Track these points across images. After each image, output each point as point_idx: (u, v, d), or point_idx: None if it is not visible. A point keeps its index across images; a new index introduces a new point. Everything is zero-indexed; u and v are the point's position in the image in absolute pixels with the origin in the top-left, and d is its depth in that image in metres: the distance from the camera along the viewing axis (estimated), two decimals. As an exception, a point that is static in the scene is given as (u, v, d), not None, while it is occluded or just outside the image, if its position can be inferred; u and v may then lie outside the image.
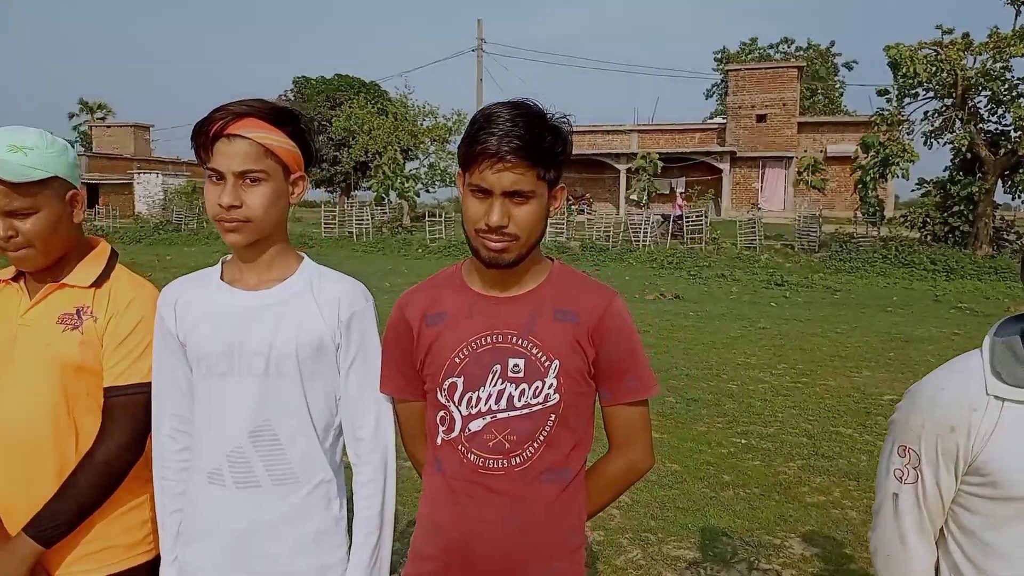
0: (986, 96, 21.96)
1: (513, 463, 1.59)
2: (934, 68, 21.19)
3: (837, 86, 59.58)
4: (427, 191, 49.91)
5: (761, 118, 39.91)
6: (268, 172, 1.62)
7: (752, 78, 40.40)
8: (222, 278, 1.73)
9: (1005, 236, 23.15)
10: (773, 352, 10.30)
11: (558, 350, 1.61)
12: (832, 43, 60.42)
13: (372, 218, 33.59)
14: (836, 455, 5.93)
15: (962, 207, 22.70)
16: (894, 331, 12.14)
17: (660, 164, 36.32)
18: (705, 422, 6.85)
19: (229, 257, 1.77)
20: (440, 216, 33.03)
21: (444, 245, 29.59)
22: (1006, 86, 21.51)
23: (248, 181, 1.60)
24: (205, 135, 1.60)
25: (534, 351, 1.61)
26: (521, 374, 1.59)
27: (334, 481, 1.74)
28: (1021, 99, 20.96)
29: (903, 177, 23.07)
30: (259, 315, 1.67)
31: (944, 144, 22.78)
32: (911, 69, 20.91)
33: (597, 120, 45.65)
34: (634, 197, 35.35)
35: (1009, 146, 21.36)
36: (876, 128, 23.39)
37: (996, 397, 1.34)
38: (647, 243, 27.99)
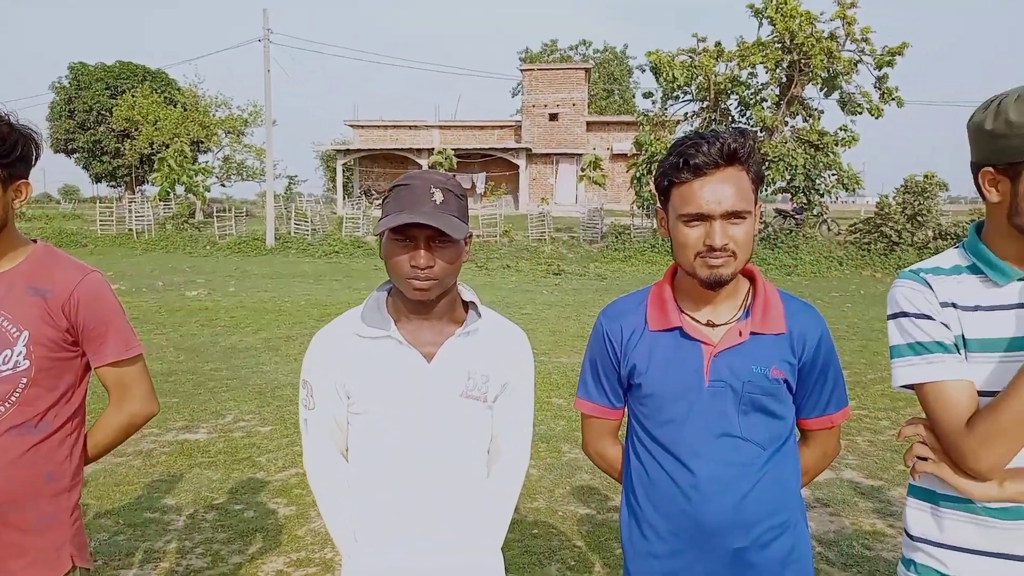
0: (735, 99, 24.43)
1: None
2: (690, 73, 23.27)
3: (630, 87, 63.34)
4: (222, 185, 47.79)
5: (553, 116, 41.74)
6: None
7: (544, 78, 42.15)
8: None
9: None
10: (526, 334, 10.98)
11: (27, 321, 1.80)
12: (626, 46, 64.31)
13: (155, 214, 31.67)
14: (539, 421, 6.53)
15: (718, 200, 25.14)
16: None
17: (455, 159, 37.00)
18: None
19: None
20: (230, 211, 31.77)
21: (235, 241, 28.55)
22: (751, 90, 24.05)
23: None
24: None
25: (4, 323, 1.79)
26: None
27: None
28: (763, 102, 23.50)
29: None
30: None
31: (703, 143, 25.05)
32: (670, 74, 22.86)
33: (399, 116, 45.79)
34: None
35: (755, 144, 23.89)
36: (642, 128, 25.34)
37: None
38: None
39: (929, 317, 1.62)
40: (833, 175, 24.16)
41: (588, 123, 42.16)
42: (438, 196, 1.66)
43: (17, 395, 1.80)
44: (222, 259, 25.64)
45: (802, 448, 1.87)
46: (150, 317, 12.56)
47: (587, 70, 44.05)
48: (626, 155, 38.02)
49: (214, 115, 45.42)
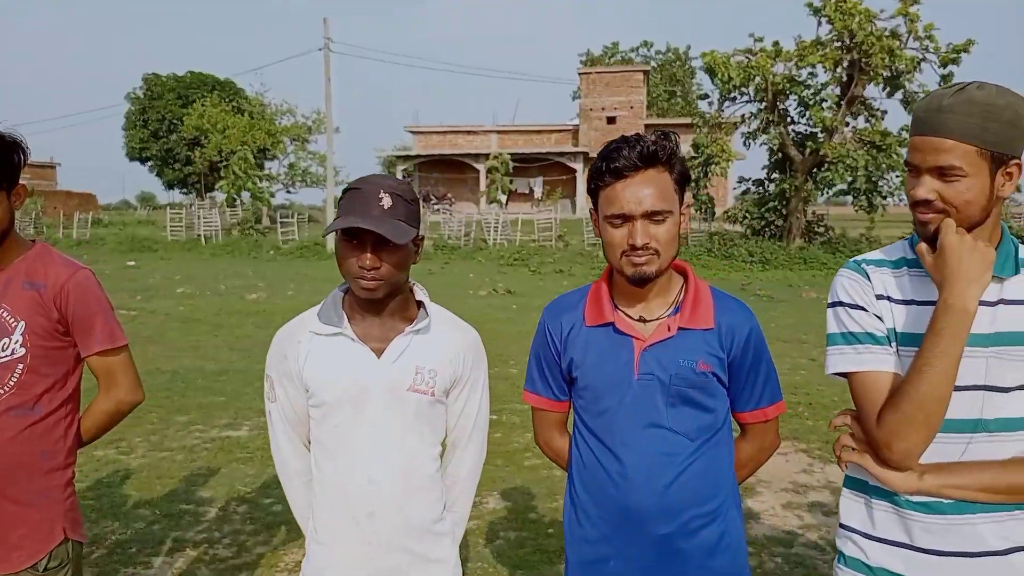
0: (794, 100, 23.98)
1: None
2: (747, 74, 22.95)
3: (693, 89, 62.68)
4: (287, 191, 49.17)
5: (611, 120, 41.68)
6: None
7: (602, 81, 42.12)
8: None
9: (815, 229, 25.35)
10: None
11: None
12: (688, 47, 63.50)
13: (222, 220, 32.77)
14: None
15: (776, 203, 24.71)
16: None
17: (512, 164, 37.22)
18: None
19: None
20: (293, 217, 32.64)
21: (297, 246, 29.29)
22: (811, 90, 23.56)
23: None
24: None
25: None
26: None
27: None
28: (823, 103, 23.01)
29: (722, 176, 24.81)
30: None
31: (760, 145, 24.71)
32: (725, 74, 22.59)
33: (458, 121, 46.28)
34: (491, 196, 36.04)
35: (814, 146, 23.40)
36: (698, 130, 25.09)
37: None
38: (499, 241, 28.75)
39: (863, 308, 1.66)
40: (897, 176, 23.47)
41: (647, 126, 41.91)
42: (386, 201, 1.76)
43: (15, 380, 2.00)
44: (284, 263, 26.34)
45: (740, 442, 1.94)
46: (209, 319, 13.06)
47: (646, 72, 43.83)
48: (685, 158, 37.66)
49: (280, 123, 46.73)
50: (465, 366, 1.97)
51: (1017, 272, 1.62)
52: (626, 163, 1.69)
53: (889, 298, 1.65)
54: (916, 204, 1.57)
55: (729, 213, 26.49)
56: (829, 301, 1.74)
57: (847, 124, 23.49)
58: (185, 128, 45.08)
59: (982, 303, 1.59)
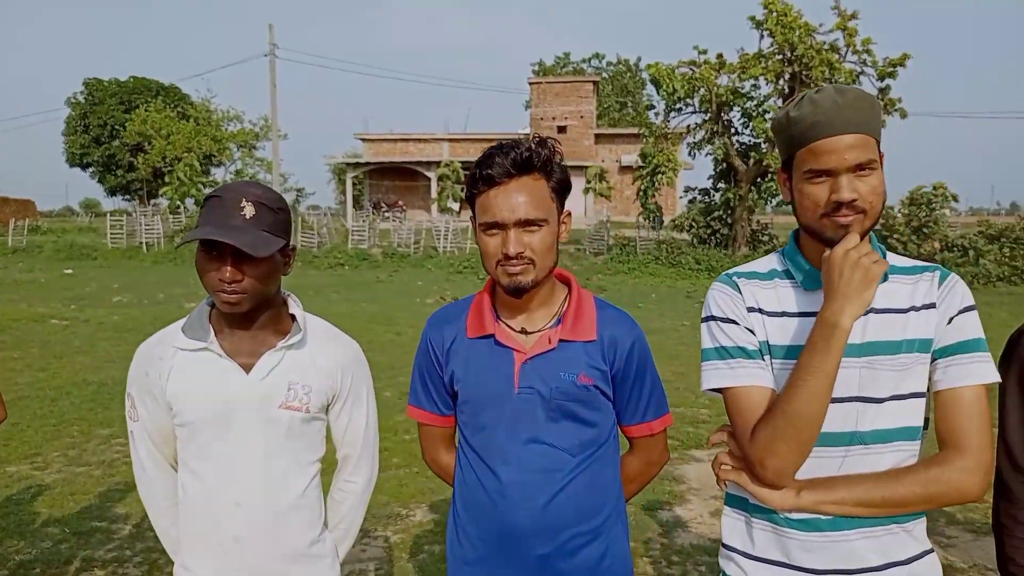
0: (738, 111, 24.40)
1: None
2: (691, 86, 23.28)
3: (644, 99, 63.34)
4: (234, 199, 48.23)
5: (562, 129, 41.89)
6: None
7: (552, 91, 42.37)
8: None
9: (760, 237, 25.80)
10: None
11: None
12: (639, 58, 64.26)
13: (166, 227, 31.99)
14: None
15: (721, 212, 25.10)
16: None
17: (463, 172, 37.15)
18: (401, 412, 7.29)
19: None
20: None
21: (242, 254, 28.73)
22: (754, 102, 24.01)
23: None
24: None
25: None
26: None
27: None
28: (765, 114, 23.46)
29: (669, 185, 25.09)
30: None
31: (706, 155, 25.08)
32: (670, 86, 22.88)
33: (410, 129, 46.08)
34: (441, 204, 35.91)
35: (757, 156, 23.84)
36: (644, 140, 25.37)
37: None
38: (450, 249, 28.61)
39: (735, 322, 1.63)
40: (838, 186, 24.03)
41: (596, 136, 42.29)
42: (249, 210, 1.66)
43: None
44: (228, 271, 25.82)
45: (628, 457, 1.88)
46: (144, 328, 12.68)
47: (595, 83, 44.21)
48: (633, 167, 38.13)
49: (227, 129, 45.94)
50: (344, 381, 1.88)
51: (885, 279, 1.60)
52: (499, 170, 1.63)
53: (761, 310, 1.62)
54: (838, 207, 1.51)
55: (676, 222, 26.80)
56: (702, 316, 1.71)
57: (789, 135, 23.96)
58: (127, 134, 43.98)
59: None
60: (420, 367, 1.89)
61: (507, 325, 1.76)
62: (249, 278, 1.68)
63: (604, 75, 58.17)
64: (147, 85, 49.26)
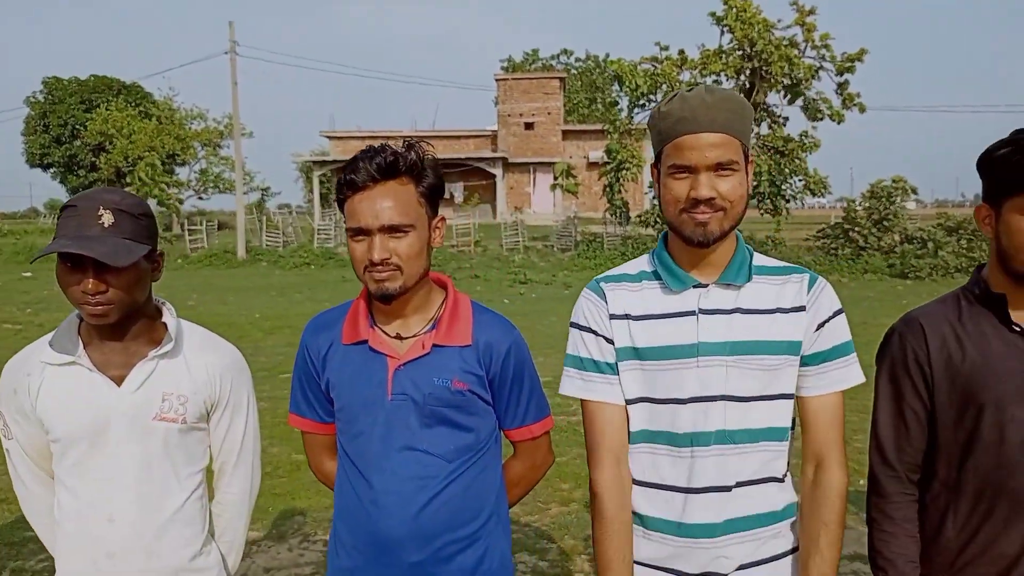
0: (700, 107, 24.59)
1: None
2: (653, 81, 23.43)
3: (612, 96, 63.34)
4: (199, 198, 47.67)
5: (529, 125, 41.96)
6: None
7: (519, 88, 42.38)
8: None
9: (725, 232, 26.05)
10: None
11: None
12: (607, 55, 64.22)
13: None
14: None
15: (685, 207, 25.30)
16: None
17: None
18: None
19: None
20: (202, 224, 31.67)
21: (206, 254, 28.43)
22: (715, 98, 24.22)
23: None
24: None
25: None
26: None
27: None
28: (728, 110, 23.67)
29: (634, 181, 25.22)
30: None
31: (670, 150, 25.22)
32: (633, 82, 23.02)
33: (378, 127, 45.81)
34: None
35: (719, 152, 24.06)
36: (609, 136, 25.49)
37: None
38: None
39: (594, 332, 1.67)
40: (800, 180, 24.33)
41: (564, 132, 42.37)
42: (107, 218, 1.63)
43: None
44: (192, 272, 25.53)
45: (512, 461, 1.89)
46: (99, 332, 12.50)
47: (562, 79, 44.27)
48: (599, 163, 38.29)
49: (190, 127, 45.31)
50: (223, 388, 1.86)
51: (750, 279, 1.63)
52: (364, 175, 1.62)
53: (627, 316, 1.64)
54: (696, 204, 1.53)
55: (643, 218, 26.96)
56: (570, 319, 1.74)
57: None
58: (89, 133, 43.20)
59: (718, 311, 1.61)
60: (299, 374, 1.86)
61: (382, 331, 1.74)
62: (114, 288, 1.64)
63: (573, 71, 58.22)
64: (108, 83, 48.37)
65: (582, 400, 1.68)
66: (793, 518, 1.68)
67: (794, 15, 22.58)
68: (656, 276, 1.67)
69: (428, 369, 1.70)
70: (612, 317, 1.65)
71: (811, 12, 22.42)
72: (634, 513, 1.65)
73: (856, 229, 24.29)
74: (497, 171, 41.31)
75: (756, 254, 1.70)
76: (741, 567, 1.61)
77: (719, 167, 1.52)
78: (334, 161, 43.47)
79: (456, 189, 42.09)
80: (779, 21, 22.76)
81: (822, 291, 1.65)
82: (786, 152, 23.55)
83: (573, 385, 1.68)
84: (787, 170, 23.68)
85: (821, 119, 23.32)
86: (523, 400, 1.80)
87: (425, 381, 1.69)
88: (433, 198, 1.72)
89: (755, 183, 23.12)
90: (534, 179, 42.25)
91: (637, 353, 1.63)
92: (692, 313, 1.61)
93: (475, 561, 1.73)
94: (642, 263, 1.72)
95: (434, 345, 1.71)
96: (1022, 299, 1.64)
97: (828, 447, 1.64)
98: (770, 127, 24.43)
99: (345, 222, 1.69)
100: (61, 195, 52.61)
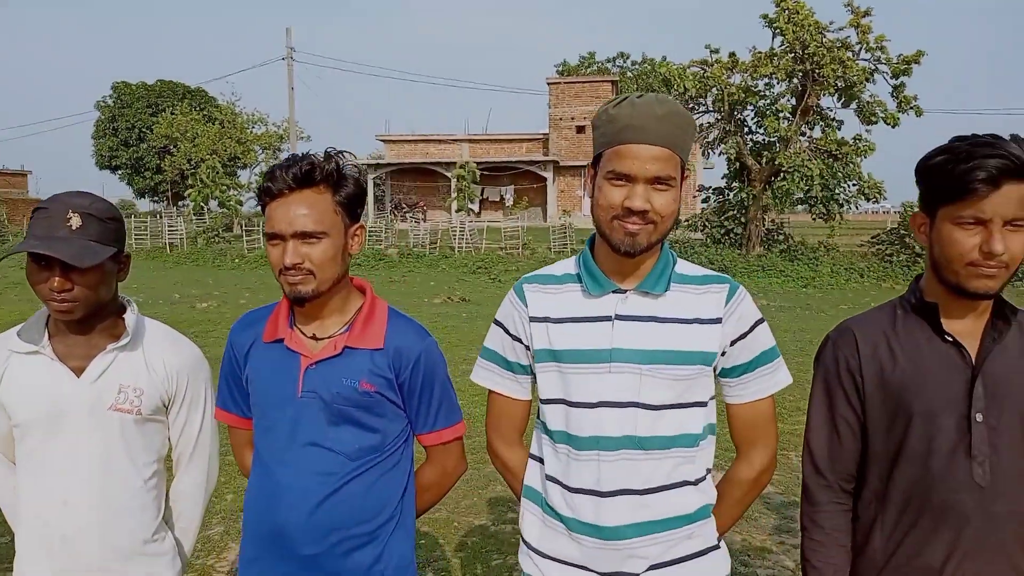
0: (751, 110, 24.22)
1: None
2: (703, 85, 23.17)
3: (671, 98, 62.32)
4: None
5: (580, 129, 41.88)
6: None
7: (570, 91, 42.36)
8: None
9: (775, 237, 25.57)
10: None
11: None
12: (664, 58, 63.58)
13: (189, 228, 32.58)
14: (477, 432, 6.64)
15: (735, 211, 24.92)
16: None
17: (483, 172, 37.31)
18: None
19: None
20: (259, 226, 32.46)
21: (261, 255, 29.12)
22: (767, 101, 23.82)
23: None
24: None
25: None
26: None
27: None
28: (779, 113, 23.27)
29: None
30: None
31: (719, 154, 24.93)
32: (681, 86, 22.79)
33: (431, 130, 46.35)
34: (459, 204, 36.08)
35: (771, 155, 23.64)
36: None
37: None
38: (467, 249, 28.76)
39: (507, 332, 1.77)
40: (854, 185, 23.75)
41: (615, 135, 42.08)
42: (75, 221, 1.74)
43: None
44: (248, 271, 26.22)
45: (425, 466, 1.95)
46: (152, 329, 12.98)
47: (614, 82, 44.09)
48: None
49: (251, 131, 46.48)
50: (181, 384, 1.97)
51: (669, 288, 1.65)
52: (280, 183, 1.68)
53: (547, 319, 1.69)
54: (629, 213, 1.55)
55: (690, 222, 26.68)
56: (495, 316, 1.82)
57: (803, 134, 23.74)
58: (154, 137, 44.75)
59: (634, 318, 1.64)
60: (224, 370, 1.94)
61: (300, 331, 1.81)
62: (79, 287, 1.76)
63: (629, 75, 57.86)
64: (173, 88, 50.11)
65: (489, 391, 1.84)
66: (708, 519, 1.71)
67: (848, 16, 22.08)
68: (578, 279, 1.71)
69: (338, 369, 1.76)
70: (532, 320, 1.71)
71: (866, 13, 21.89)
72: (555, 512, 1.70)
73: (913, 235, 23.55)
74: (548, 174, 41.36)
75: (680, 261, 1.72)
76: (652, 567, 1.63)
77: (657, 180, 1.54)
78: (388, 164, 44.11)
79: (507, 192, 42.31)
80: (832, 23, 22.28)
81: (740, 303, 1.66)
82: (839, 156, 23.03)
83: (481, 375, 1.85)
84: (840, 174, 23.14)
85: (875, 123, 22.70)
86: (433, 405, 1.85)
87: (334, 380, 1.75)
88: (351, 207, 1.77)
89: (807, 188, 22.75)
90: (584, 182, 42.09)
91: (554, 355, 1.67)
92: (608, 319, 1.64)
93: (372, 559, 1.78)
94: (569, 265, 1.76)
95: (346, 347, 1.77)
96: (956, 309, 1.64)
97: (749, 444, 1.73)
98: (823, 131, 23.91)
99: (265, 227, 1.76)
100: (129, 196, 54.47)
